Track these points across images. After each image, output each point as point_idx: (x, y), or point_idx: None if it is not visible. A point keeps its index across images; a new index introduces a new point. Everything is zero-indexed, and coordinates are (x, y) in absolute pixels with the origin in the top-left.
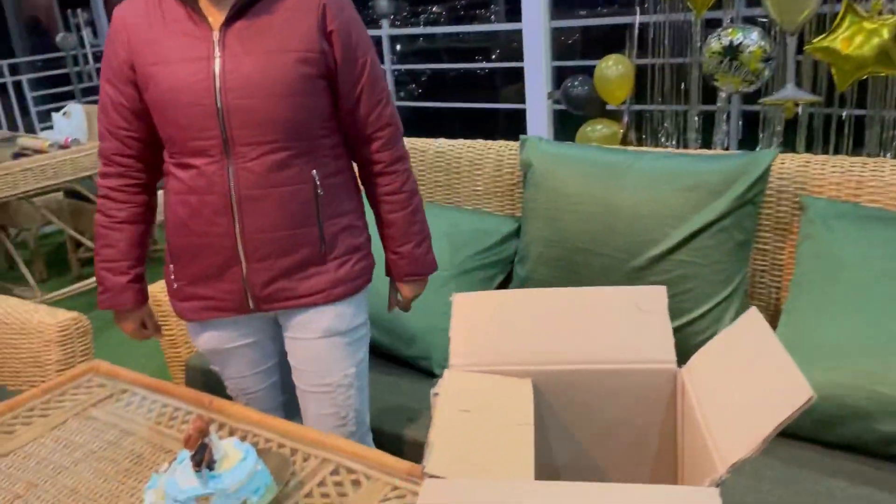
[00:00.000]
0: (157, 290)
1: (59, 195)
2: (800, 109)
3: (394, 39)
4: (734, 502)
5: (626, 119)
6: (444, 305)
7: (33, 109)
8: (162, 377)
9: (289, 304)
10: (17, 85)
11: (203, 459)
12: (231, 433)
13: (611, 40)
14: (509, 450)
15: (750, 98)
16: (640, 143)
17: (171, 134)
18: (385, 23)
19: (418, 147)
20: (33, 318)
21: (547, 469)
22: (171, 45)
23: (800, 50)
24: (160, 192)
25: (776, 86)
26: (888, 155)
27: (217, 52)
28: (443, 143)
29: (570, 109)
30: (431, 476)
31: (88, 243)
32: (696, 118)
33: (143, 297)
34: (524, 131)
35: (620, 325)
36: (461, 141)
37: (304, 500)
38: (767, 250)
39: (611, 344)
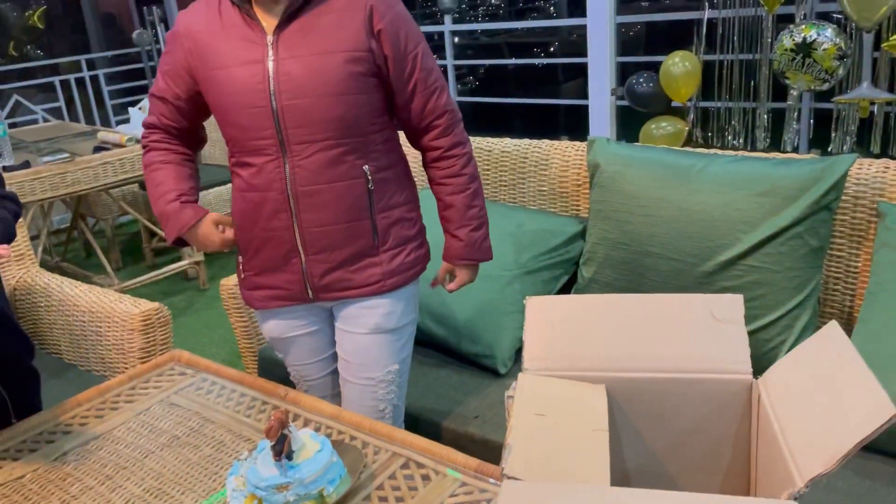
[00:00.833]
0: (233, 283)
1: (135, 187)
2: (875, 109)
3: (453, 33)
4: None
5: (691, 116)
6: (508, 305)
7: (109, 103)
8: (233, 366)
9: (345, 295)
10: (94, 79)
11: (283, 450)
12: (305, 424)
13: (675, 34)
14: (585, 455)
15: (822, 96)
16: (706, 141)
17: (232, 135)
18: (448, 18)
19: (483, 147)
20: (118, 307)
21: (617, 474)
22: (229, 50)
23: (876, 47)
24: (225, 188)
25: (851, 84)
26: None
27: (270, 55)
28: (508, 142)
29: (634, 106)
30: (510, 478)
31: (162, 233)
32: (766, 116)
33: (202, 210)
34: (585, 127)
35: (696, 334)
36: (527, 141)
37: (376, 493)
38: (842, 257)
39: (686, 352)
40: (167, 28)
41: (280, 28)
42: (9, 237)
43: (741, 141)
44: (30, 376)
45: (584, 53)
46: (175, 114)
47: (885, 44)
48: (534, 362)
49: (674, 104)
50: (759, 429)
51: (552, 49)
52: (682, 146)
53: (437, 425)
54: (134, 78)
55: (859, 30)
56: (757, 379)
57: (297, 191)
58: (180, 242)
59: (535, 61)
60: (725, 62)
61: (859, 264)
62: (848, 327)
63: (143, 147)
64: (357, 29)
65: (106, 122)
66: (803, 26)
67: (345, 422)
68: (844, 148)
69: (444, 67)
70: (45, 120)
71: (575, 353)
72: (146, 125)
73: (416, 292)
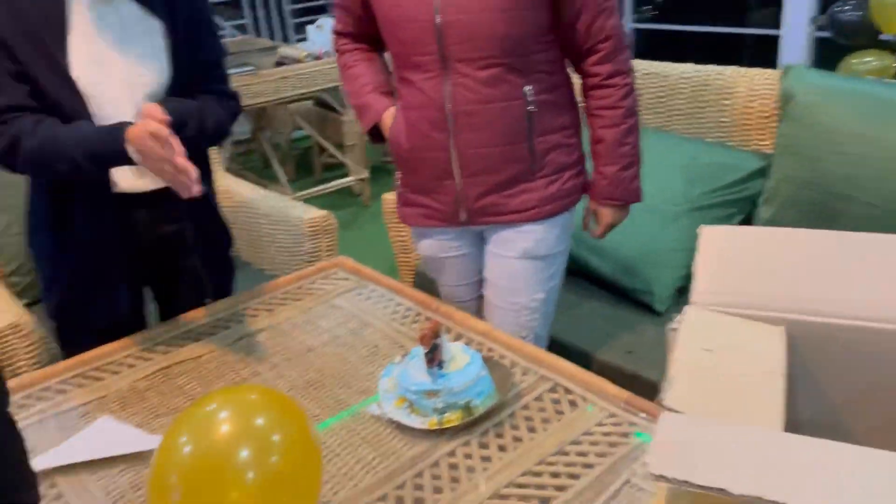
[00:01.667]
0: (394, 198)
1: (310, 103)
2: None
3: None
4: None
5: None
6: (673, 241)
7: (290, 21)
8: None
9: (499, 220)
10: None
11: (435, 358)
12: (457, 338)
13: None
14: (755, 396)
15: None
16: None
17: (396, 51)
18: None
19: (659, 71)
20: (291, 213)
21: (788, 424)
22: None
23: None
24: None
25: None
26: None
27: None
28: (688, 67)
29: (835, 38)
30: (670, 409)
31: (332, 149)
32: None
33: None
34: (773, 62)
35: None
36: (710, 66)
37: (521, 412)
38: None
39: (883, 300)
40: None
41: None
42: (221, 134)
43: None
44: (228, 263)
45: None
46: (357, 21)
47: None
48: (704, 296)
49: (882, 37)
50: None
51: None
52: None
53: (586, 355)
54: None
55: None
56: None
57: (457, 110)
58: (377, 136)
59: None
60: None
61: None
62: None
63: (336, 51)
64: None
65: (286, 40)
66: None
67: (495, 340)
68: None
69: None
70: (232, 35)
71: (753, 290)
72: (335, 32)
73: (571, 221)
